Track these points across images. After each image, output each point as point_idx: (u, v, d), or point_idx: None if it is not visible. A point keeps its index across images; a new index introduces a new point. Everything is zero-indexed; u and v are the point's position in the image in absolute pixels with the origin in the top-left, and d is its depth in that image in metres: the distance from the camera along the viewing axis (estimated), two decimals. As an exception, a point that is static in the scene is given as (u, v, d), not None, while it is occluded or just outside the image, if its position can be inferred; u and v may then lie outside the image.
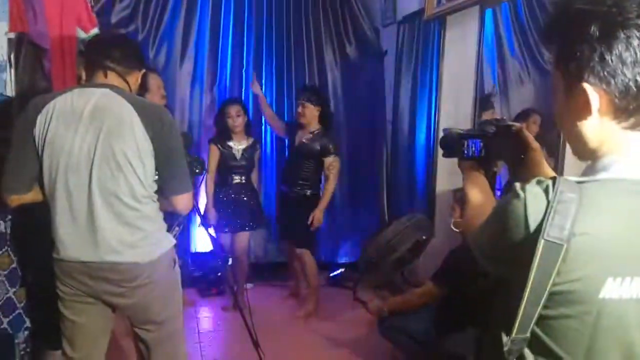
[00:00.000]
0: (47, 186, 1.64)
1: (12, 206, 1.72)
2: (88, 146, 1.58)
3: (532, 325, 0.73)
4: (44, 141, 1.60)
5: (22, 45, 2.16)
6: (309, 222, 3.35)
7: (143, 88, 2.87)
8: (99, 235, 1.61)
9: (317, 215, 3.36)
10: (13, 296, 2.17)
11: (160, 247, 1.72)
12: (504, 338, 0.75)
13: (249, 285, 3.71)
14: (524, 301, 0.71)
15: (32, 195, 1.69)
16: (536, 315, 0.72)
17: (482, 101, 3.04)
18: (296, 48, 4.18)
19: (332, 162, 3.38)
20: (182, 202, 1.73)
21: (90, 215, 1.60)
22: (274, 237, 4.09)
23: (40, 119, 1.60)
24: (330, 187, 3.42)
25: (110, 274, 1.65)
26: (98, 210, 1.60)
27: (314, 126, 3.40)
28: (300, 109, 3.39)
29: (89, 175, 1.58)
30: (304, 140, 3.41)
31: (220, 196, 3.45)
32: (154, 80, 2.94)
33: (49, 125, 1.59)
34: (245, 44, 4.07)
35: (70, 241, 1.63)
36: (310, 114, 3.38)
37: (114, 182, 1.59)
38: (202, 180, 3.39)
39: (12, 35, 2.02)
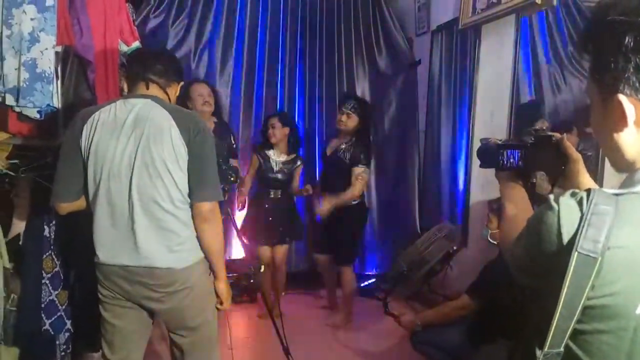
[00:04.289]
0: (90, 193, 1.71)
1: (62, 213, 1.80)
2: (129, 154, 1.64)
3: (565, 339, 0.71)
4: (89, 150, 1.67)
5: (68, 58, 2.25)
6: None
7: (186, 97, 3.08)
8: (138, 240, 1.66)
9: (325, 206, 3.23)
10: (55, 298, 2.25)
11: (196, 253, 1.76)
12: (537, 352, 0.73)
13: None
14: (557, 315, 0.69)
15: (80, 203, 1.77)
16: (570, 330, 0.71)
17: (528, 109, 2.97)
18: (327, 57, 4.22)
19: (360, 173, 3.25)
20: (204, 209, 1.69)
21: (130, 220, 1.66)
22: (306, 246, 4.09)
23: (85, 130, 1.68)
24: (350, 193, 3.22)
25: (147, 278, 1.69)
26: (137, 216, 1.65)
27: (350, 136, 3.34)
28: (343, 117, 3.31)
29: (129, 182, 1.64)
30: (335, 150, 3.38)
31: (258, 208, 3.48)
32: (195, 87, 3.20)
33: (93, 134, 1.66)
34: (280, 56, 4.13)
35: (111, 246, 1.69)
36: (352, 124, 3.31)
37: (153, 188, 1.64)
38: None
39: (59, 48, 2.10)
